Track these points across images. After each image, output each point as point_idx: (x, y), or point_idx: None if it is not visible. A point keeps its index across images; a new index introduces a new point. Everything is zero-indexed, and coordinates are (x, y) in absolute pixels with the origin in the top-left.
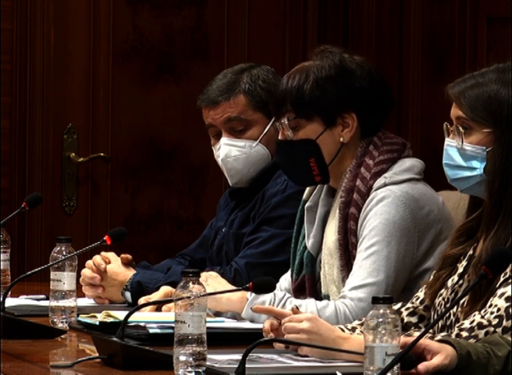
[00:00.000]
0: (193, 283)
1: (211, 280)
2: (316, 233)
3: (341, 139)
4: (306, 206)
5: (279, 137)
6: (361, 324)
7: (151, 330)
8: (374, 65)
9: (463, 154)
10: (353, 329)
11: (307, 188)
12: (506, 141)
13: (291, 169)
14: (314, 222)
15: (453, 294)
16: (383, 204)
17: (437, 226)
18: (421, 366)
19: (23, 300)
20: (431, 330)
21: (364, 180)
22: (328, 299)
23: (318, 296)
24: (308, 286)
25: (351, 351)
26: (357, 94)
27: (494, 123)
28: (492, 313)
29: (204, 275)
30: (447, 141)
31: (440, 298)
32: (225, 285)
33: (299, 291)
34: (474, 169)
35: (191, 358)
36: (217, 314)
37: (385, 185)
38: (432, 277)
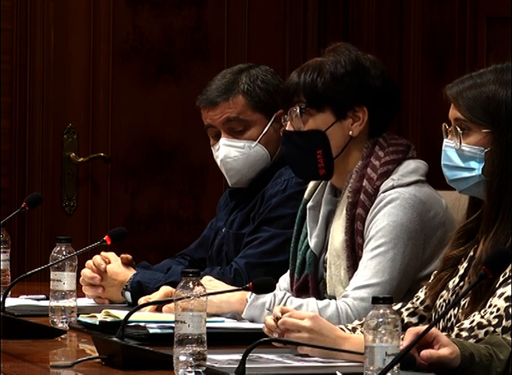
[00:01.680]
0: (193, 283)
1: (207, 285)
2: (319, 233)
3: (350, 132)
4: (308, 206)
5: (287, 128)
6: (362, 324)
7: (151, 330)
8: (385, 66)
9: (461, 155)
10: (354, 329)
11: (308, 187)
12: (505, 141)
13: (296, 160)
14: (317, 221)
15: (453, 296)
16: (392, 206)
17: (442, 229)
18: (425, 352)
19: (23, 300)
20: None
21: (370, 181)
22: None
23: (321, 296)
24: (312, 286)
25: (351, 351)
26: (370, 91)
27: (492, 123)
28: (491, 313)
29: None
30: (445, 141)
31: (441, 300)
32: (220, 287)
33: (301, 291)
34: (472, 169)
35: (191, 358)
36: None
37: (393, 187)
38: (432, 278)
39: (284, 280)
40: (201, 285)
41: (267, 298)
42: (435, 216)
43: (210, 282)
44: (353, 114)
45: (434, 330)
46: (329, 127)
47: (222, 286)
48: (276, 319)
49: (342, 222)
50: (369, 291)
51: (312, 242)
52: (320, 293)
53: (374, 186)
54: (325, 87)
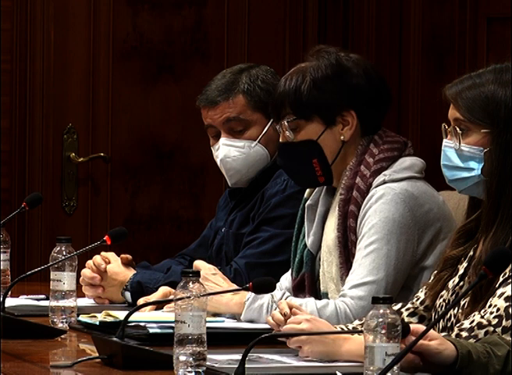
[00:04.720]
0: (193, 283)
1: (209, 282)
2: (316, 231)
3: (342, 137)
4: (306, 204)
5: (280, 140)
6: (362, 324)
7: (151, 330)
8: (369, 62)
9: (460, 155)
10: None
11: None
12: (504, 141)
13: (295, 171)
14: (314, 220)
15: (453, 296)
16: (382, 201)
17: (437, 224)
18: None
19: (23, 300)
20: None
21: (363, 178)
22: (327, 296)
23: (318, 294)
24: (308, 284)
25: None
26: (354, 92)
27: (491, 123)
28: (491, 313)
29: (202, 274)
30: (445, 142)
31: (441, 300)
32: (222, 284)
33: (298, 290)
34: (471, 169)
35: (191, 358)
36: (216, 314)
37: (384, 183)
38: (432, 278)
39: (286, 279)
40: (201, 285)
41: (264, 299)
42: (428, 210)
43: (213, 276)
44: (342, 119)
45: (422, 327)
46: (320, 135)
47: (224, 283)
48: (284, 314)
49: (335, 219)
50: (366, 289)
51: (309, 240)
52: (317, 291)
53: (366, 183)
54: (310, 97)
